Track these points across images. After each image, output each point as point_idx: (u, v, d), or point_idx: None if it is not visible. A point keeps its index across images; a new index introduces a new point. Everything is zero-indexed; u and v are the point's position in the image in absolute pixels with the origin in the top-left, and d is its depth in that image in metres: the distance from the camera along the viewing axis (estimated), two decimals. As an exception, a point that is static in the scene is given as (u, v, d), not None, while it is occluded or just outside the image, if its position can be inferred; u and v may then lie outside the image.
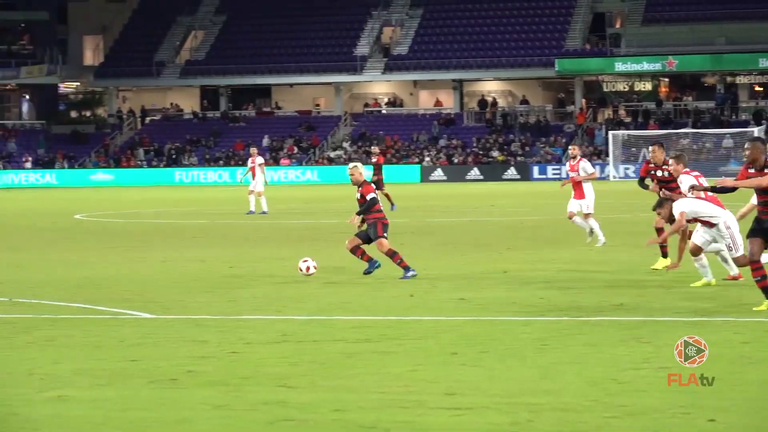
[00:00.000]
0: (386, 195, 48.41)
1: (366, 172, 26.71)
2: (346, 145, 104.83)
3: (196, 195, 70.26)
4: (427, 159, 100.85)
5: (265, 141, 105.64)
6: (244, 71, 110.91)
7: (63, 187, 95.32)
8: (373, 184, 26.12)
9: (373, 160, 52.53)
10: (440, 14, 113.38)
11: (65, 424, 11.25)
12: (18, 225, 43.85)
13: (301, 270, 24.33)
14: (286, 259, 27.48)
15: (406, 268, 24.28)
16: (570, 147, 37.87)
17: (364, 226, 24.43)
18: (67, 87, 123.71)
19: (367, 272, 24.33)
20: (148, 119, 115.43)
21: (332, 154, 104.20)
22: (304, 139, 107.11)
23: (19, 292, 21.88)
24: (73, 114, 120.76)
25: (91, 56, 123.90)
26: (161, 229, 42.83)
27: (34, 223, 46.21)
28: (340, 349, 15.26)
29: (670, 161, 23.50)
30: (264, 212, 47.49)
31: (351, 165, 25.82)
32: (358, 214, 24.42)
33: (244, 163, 76.60)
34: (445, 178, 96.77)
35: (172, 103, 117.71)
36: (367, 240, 24.45)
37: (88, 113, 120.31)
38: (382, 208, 25.20)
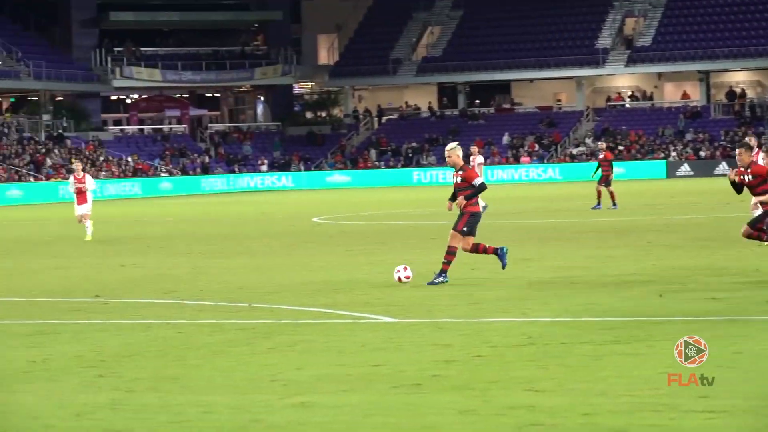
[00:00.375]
0: (611, 193, 48.51)
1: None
2: (588, 141, 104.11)
3: (435, 195, 70.27)
4: (674, 154, 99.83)
5: (505, 139, 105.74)
6: (482, 67, 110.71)
7: (299, 189, 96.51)
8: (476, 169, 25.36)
9: (600, 156, 52.05)
10: (685, 2, 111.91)
11: (308, 430, 11.39)
12: (255, 229, 44.36)
13: (398, 278, 24.10)
14: (530, 260, 27.41)
15: (442, 273, 23.38)
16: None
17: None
18: (302, 87, 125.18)
19: (503, 260, 23.61)
20: (384, 119, 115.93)
21: (574, 151, 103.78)
22: (545, 135, 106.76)
23: (259, 297, 22.20)
24: (309, 115, 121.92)
25: (325, 55, 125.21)
26: (400, 231, 43.02)
27: (271, 228, 46.80)
28: (588, 352, 15.16)
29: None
30: None
31: (449, 147, 24.77)
32: (467, 199, 23.49)
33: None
34: (692, 173, 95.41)
35: (407, 102, 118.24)
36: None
37: (323, 114, 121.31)
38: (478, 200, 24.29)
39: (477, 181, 23.74)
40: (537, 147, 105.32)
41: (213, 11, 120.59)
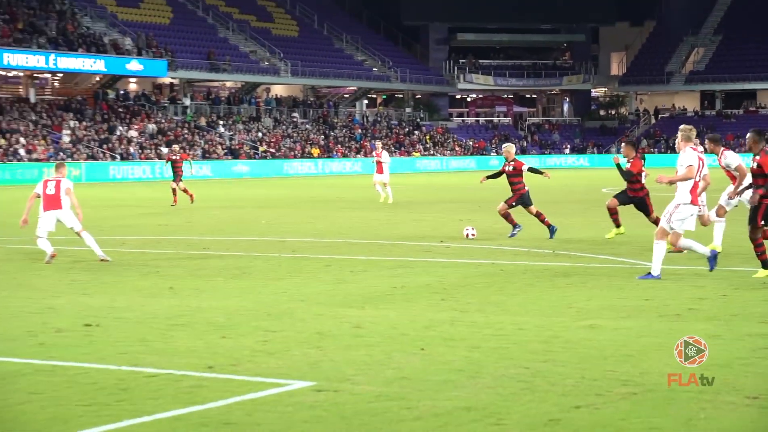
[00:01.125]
0: None
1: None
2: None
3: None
4: None
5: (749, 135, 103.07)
6: (734, 79, 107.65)
7: (593, 168, 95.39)
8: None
9: None
10: None
11: (595, 345, 11.37)
12: (561, 197, 44.00)
13: (466, 235, 23.97)
14: None
15: (514, 225, 23.76)
16: None
17: None
18: (597, 92, 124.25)
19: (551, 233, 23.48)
20: (659, 117, 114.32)
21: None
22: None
23: (559, 246, 22.08)
24: (602, 112, 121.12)
25: (616, 68, 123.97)
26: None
27: (572, 196, 46.47)
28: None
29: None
30: None
31: (505, 145, 25.02)
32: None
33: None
34: None
35: (676, 104, 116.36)
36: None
37: (613, 112, 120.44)
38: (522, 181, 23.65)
39: (524, 168, 23.78)
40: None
41: (533, 34, 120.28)
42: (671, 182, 17.03)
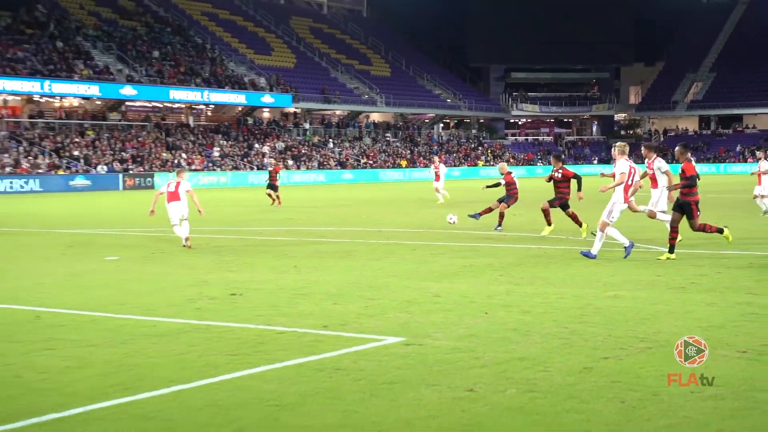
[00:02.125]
0: None
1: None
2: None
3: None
4: None
5: (738, 148, 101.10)
6: (726, 106, 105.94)
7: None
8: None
9: None
10: None
11: (618, 310, 11.23)
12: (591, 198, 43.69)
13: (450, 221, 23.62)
14: None
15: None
16: None
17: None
18: (619, 116, 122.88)
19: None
20: (667, 135, 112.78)
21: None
22: (764, 146, 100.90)
23: (590, 235, 21.64)
24: (622, 132, 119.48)
25: (633, 98, 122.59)
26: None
27: (600, 196, 45.68)
28: (787, 275, 14.30)
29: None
30: None
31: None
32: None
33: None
34: None
35: (679, 125, 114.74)
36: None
37: (631, 132, 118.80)
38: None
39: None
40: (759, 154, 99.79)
41: (569, 72, 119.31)
42: (607, 190, 17.12)
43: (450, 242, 20.77)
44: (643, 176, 18.49)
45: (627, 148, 17.30)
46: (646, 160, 19.32)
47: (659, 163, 19.17)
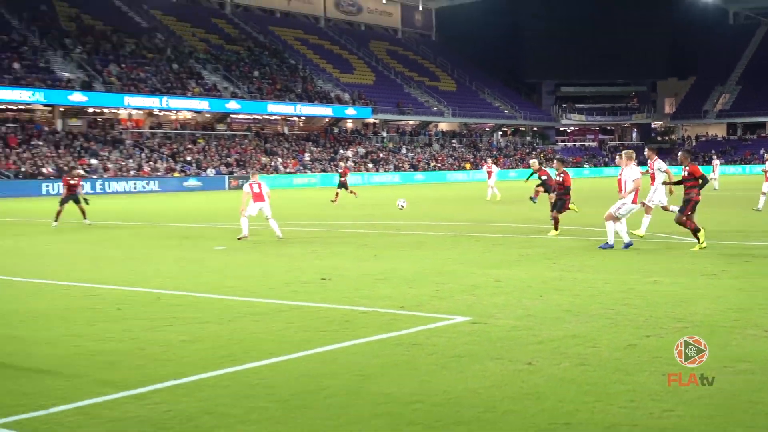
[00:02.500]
0: None
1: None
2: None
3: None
4: None
5: (763, 152, 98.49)
6: (751, 114, 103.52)
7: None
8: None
9: None
10: None
11: (659, 295, 10.98)
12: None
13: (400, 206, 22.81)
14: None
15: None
16: None
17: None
18: (655, 125, 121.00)
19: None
20: (698, 140, 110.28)
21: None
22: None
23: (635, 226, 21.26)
24: (659, 138, 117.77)
25: (668, 108, 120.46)
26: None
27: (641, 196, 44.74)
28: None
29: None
30: None
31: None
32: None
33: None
34: None
35: (708, 132, 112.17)
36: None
37: (666, 138, 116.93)
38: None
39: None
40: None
41: (611, 86, 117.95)
42: (626, 196, 16.49)
43: (508, 234, 20.59)
44: (644, 174, 18.22)
45: (634, 154, 16.99)
46: (649, 160, 19.48)
47: (659, 164, 19.44)
